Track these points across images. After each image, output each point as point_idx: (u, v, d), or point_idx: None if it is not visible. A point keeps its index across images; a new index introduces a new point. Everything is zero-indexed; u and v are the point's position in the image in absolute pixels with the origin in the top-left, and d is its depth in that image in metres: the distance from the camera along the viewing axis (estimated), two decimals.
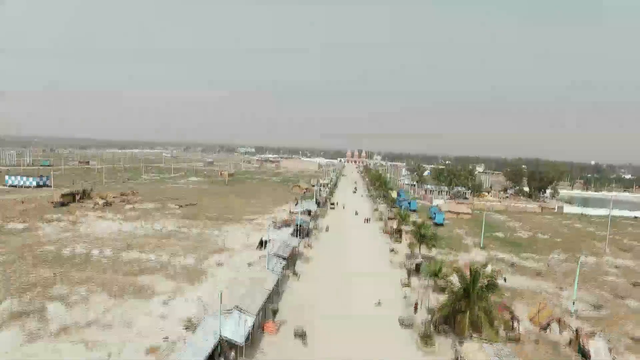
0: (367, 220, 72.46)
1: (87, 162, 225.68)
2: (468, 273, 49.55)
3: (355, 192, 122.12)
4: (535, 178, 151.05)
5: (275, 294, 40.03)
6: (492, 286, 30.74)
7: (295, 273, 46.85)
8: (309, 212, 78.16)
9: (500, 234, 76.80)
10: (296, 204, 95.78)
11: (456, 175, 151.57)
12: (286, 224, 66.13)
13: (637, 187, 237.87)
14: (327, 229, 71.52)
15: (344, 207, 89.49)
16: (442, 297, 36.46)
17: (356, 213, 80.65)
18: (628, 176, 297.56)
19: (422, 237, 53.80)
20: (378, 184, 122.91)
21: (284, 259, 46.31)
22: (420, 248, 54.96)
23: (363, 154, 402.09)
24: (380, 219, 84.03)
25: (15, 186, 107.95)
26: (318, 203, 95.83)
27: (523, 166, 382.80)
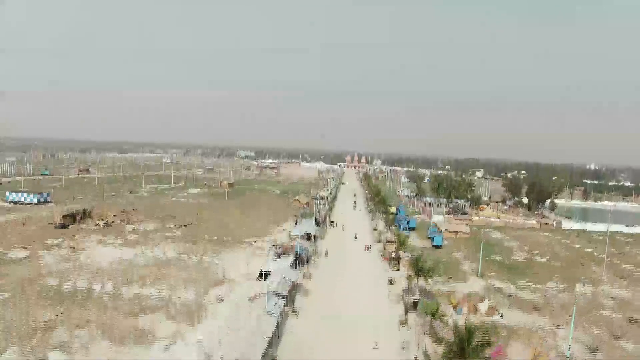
0: (368, 247, 72.50)
1: (87, 170, 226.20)
2: (466, 308, 50.24)
3: (355, 207, 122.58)
4: (534, 190, 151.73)
5: (274, 336, 40.50)
6: (486, 344, 31.22)
7: (294, 311, 47.25)
8: (308, 236, 78.63)
9: (498, 257, 77.25)
10: (296, 223, 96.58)
11: (455, 187, 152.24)
12: (285, 251, 66.62)
13: (636, 195, 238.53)
14: (326, 254, 71.91)
15: (343, 229, 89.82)
16: (440, 348, 36.86)
17: (355, 237, 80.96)
18: (628, 183, 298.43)
19: (419, 270, 54.25)
20: (377, 200, 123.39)
21: (283, 297, 46.81)
22: (417, 280, 55.40)
23: (363, 159, 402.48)
24: (379, 240, 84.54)
25: (16, 202, 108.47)
26: (317, 222, 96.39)
27: (522, 172, 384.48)
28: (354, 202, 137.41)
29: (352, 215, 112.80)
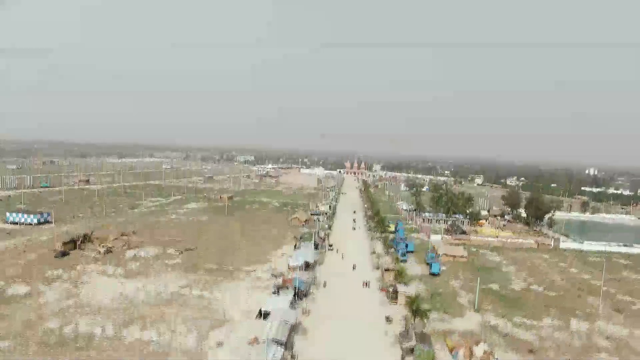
0: (366, 284, 71.95)
1: (87, 181, 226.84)
2: (462, 352, 50.81)
3: (354, 228, 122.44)
4: (532, 206, 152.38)
5: None
6: None
7: (293, 357, 47.85)
8: (307, 264, 79.20)
9: (495, 286, 77.75)
10: (295, 247, 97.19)
11: (454, 203, 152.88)
12: (285, 285, 67.18)
13: (634, 204, 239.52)
14: (324, 285, 72.56)
15: (342, 257, 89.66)
16: None
17: (354, 267, 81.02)
18: (626, 192, 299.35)
19: (415, 311, 54.99)
20: (377, 220, 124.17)
21: (282, 343, 47.39)
22: (414, 320, 56.07)
23: (362, 165, 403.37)
24: (377, 268, 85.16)
25: (16, 223, 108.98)
26: (316, 245, 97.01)
27: (522, 179, 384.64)
28: (354, 220, 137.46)
29: (351, 238, 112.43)
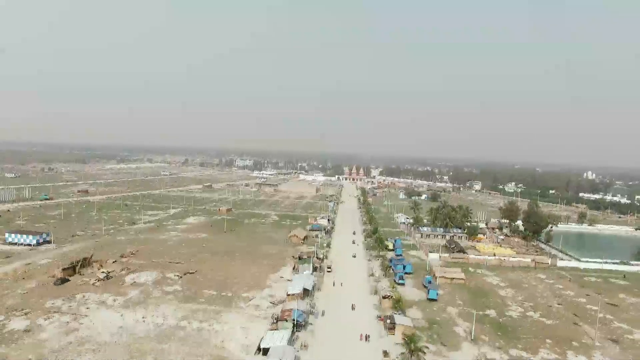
0: (366, 337, 68.07)
1: (86, 191, 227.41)
2: None
3: (354, 256, 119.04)
4: (530, 221, 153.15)
5: None
6: None
7: None
8: (305, 290, 79.65)
9: (492, 313, 78.24)
10: (294, 268, 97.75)
11: (452, 218, 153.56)
12: (283, 317, 67.58)
13: (630, 214, 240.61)
14: (323, 314, 73.08)
15: (342, 285, 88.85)
16: None
17: (353, 307, 78.92)
18: (624, 199, 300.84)
19: (412, 350, 55.54)
20: (376, 237, 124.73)
21: None
22: (411, 357, 56.58)
23: (361, 171, 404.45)
24: (375, 292, 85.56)
25: (15, 244, 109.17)
26: (315, 268, 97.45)
27: (520, 185, 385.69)
28: (353, 242, 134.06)
29: (350, 264, 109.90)
